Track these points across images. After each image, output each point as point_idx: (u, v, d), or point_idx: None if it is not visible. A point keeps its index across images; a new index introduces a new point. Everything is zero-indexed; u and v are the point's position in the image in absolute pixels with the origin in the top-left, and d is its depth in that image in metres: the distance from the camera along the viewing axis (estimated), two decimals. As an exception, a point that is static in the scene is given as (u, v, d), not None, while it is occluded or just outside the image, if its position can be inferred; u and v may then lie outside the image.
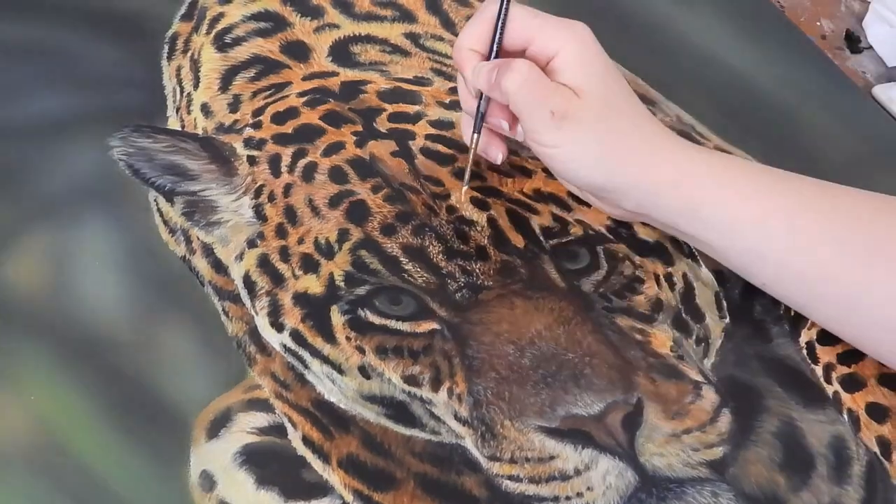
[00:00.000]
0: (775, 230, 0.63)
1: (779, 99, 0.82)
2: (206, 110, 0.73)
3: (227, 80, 0.75)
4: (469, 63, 0.65)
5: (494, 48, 0.65)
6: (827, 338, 0.67)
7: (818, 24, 0.90)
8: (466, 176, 0.68)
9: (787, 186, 0.65)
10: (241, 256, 0.68)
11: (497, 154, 0.68)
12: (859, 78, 0.88)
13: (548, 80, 0.62)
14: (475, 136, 0.67)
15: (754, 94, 0.82)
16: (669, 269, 0.67)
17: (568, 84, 0.63)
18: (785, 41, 0.87)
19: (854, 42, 0.90)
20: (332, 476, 0.62)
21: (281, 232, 0.68)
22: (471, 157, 0.67)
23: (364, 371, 0.64)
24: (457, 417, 0.63)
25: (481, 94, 0.65)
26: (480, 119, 0.66)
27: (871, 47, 0.89)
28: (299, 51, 0.76)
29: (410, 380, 0.64)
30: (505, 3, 0.64)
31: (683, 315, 0.67)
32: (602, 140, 0.63)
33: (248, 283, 0.67)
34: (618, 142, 0.63)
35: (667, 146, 0.64)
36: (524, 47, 0.64)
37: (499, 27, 0.65)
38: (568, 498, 0.61)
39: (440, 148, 0.71)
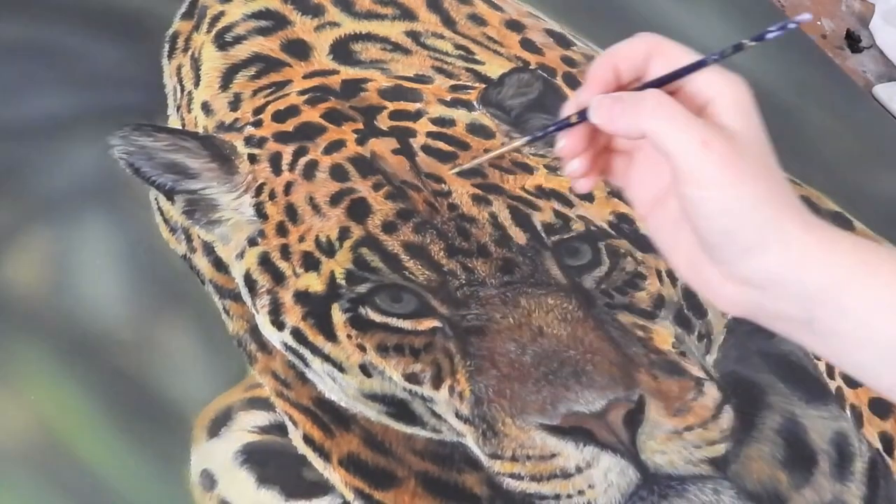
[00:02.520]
0: None
1: (780, 98, 0.83)
2: (206, 109, 0.73)
3: (227, 78, 0.75)
4: (600, 79, 0.56)
5: (645, 81, 0.55)
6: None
7: (819, 23, 0.90)
8: (475, 160, 0.63)
9: None
10: (241, 255, 0.68)
11: (581, 183, 0.57)
12: (860, 77, 0.88)
13: (693, 114, 0.54)
14: (527, 138, 0.56)
15: (755, 93, 0.82)
16: (671, 265, 0.66)
17: (726, 128, 0.54)
18: (785, 40, 0.87)
19: (854, 41, 0.90)
20: (333, 474, 0.62)
21: (282, 230, 0.68)
22: (498, 150, 0.62)
23: (365, 369, 0.64)
24: (458, 415, 0.63)
25: (575, 116, 0.56)
26: (553, 133, 0.56)
27: (871, 47, 0.90)
28: (300, 49, 0.76)
29: (411, 378, 0.64)
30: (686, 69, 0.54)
31: (685, 311, 0.67)
32: (763, 186, 0.54)
33: (249, 282, 0.67)
34: (777, 194, 0.54)
35: (812, 219, 0.55)
36: (675, 88, 0.56)
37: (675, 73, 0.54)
38: (569, 496, 0.61)
39: (441, 145, 0.71)
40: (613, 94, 0.55)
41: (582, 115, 0.55)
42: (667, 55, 0.57)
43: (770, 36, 0.56)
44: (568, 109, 0.56)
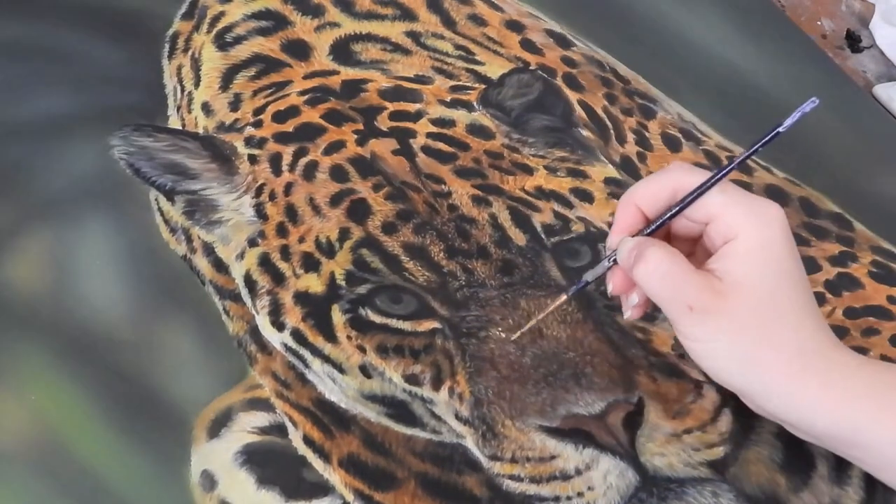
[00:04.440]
0: None
1: (779, 98, 0.82)
2: (206, 109, 0.73)
3: (227, 78, 0.75)
4: (625, 221, 0.60)
5: (654, 226, 0.60)
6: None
7: (819, 23, 0.90)
8: (530, 324, 0.63)
9: None
10: (241, 255, 0.68)
11: (626, 311, 0.62)
12: (860, 77, 0.88)
13: (686, 271, 0.57)
14: (573, 288, 0.62)
15: (755, 93, 0.82)
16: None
17: (729, 274, 0.57)
18: (785, 40, 0.87)
19: (855, 41, 0.90)
20: (333, 475, 0.62)
21: (282, 231, 0.68)
22: (552, 306, 0.63)
23: (365, 370, 0.64)
24: (458, 417, 0.63)
25: (609, 254, 0.61)
26: (600, 277, 0.62)
27: (871, 46, 0.89)
28: (300, 49, 0.76)
29: (411, 379, 0.64)
30: (694, 195, 0.59)
31: (685, 314, 0.67)
32: (746, 343, 0.57)
33: (249, 282, 0.67)
34: (765, 348, 0.57)
35: (822, 363, 0.57)
36: (705, 222, 0.59)
37: (678, 207, 0.59)
38: (569, 498, 0.61)
39: (441, 146, 0.71)
40: (634, 240, 0.59)
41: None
42: (692, 188, 0.59)
43: (785, 126, 0.59)
44: (608, 249, 0.61)
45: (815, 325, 0.58)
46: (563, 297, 0.62)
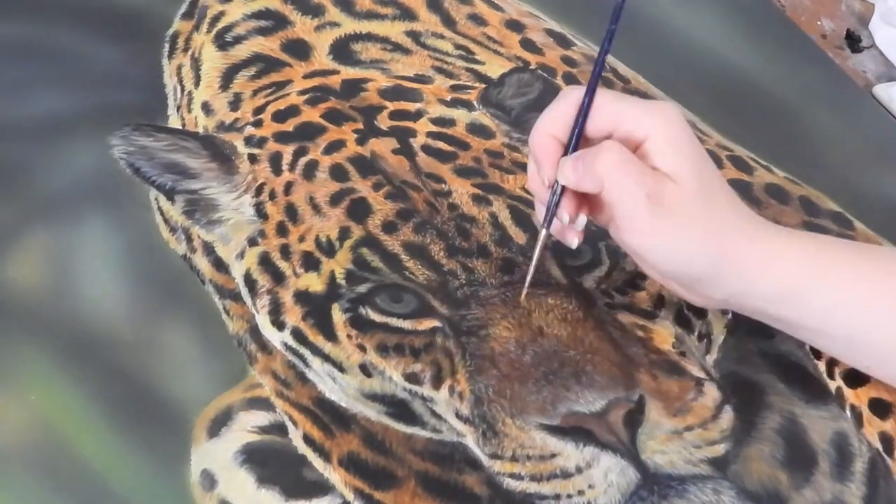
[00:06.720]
0: (883, 314, 0.60)
1: (779, 98, 0.83)
2: (206, 109, 0.73)
3: (227, 78, 0.75)
4: (548, 152, 0.60)
5: (574, 138, 0.60)
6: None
7: (819, 23, 0.90)
8: (528, 277, 0.63)
9: (891, 266, 0.61)
10: (241, 255, 0.68)
11: (573, 240, 0.63)
12: (860, 77, 0.88)
13: (640, 161, 0.58)
14: (544, 231, 0.62)
15: (755, 93, 0.82)
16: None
17: (660, 169, 0.58)
18: (785, 40, 0.87)
19: (854, 41, 0.90)
20: (333, 474, 0.62)
21: (282, 230, 0.68)
22: (537, 252, 0.63)
23: (365, 369, 0.64)
24: (458, 415, 0.63)
25: (554, 187, 0.61)
26: (552, 214, 0.61)
27: (871, 46, 0.89)
28: (300, 49, 0.76)
29: (411, 378, 0.64)
30: (590, 94, 0.60)
31: (685, 311, 0.67)
32: (702, 227, 0.59)
33: (249, 282, 0.67)
34: (717, 229, 0.59)
35: (762, 230, 0.61)
36: (609, 133, 0.60)
37: (581, 116, 0.60)
38: (569, 496, 0.61)
39: (441, 145, 0.71)
40: (576, 153, 0.60)
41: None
42: (597, 106, 0.60)
43: None
44: (547, 182, 0.61)
45: (742, 205, 0.61)
46: (544, 232, 0.62)
